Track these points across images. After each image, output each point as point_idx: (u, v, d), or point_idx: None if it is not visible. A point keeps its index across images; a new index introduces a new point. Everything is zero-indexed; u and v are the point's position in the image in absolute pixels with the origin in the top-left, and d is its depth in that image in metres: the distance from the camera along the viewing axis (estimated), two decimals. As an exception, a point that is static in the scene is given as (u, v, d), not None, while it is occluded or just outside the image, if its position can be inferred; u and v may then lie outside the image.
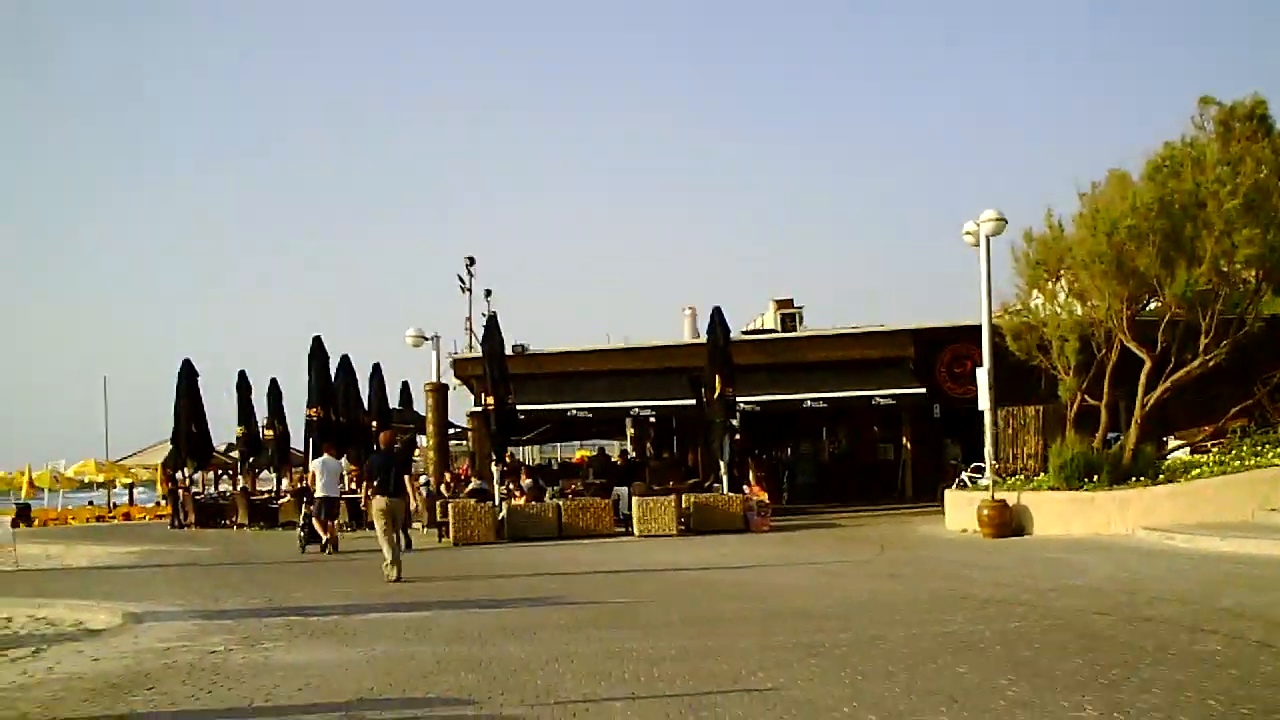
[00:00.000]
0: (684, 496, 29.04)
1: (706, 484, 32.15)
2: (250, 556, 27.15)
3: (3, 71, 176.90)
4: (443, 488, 33.26)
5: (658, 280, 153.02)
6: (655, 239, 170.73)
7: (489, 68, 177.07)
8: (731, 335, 32.02)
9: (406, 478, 21.33)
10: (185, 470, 43.38)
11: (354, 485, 34.40)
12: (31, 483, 62.08)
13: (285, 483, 42.81)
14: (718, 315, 30.68)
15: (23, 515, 51.05)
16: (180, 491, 42.54)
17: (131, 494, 69.57)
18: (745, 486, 30.09)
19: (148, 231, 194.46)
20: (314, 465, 28.23)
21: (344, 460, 31.90)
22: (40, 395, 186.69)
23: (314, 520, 27.22)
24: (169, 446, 44.97)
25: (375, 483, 20.73)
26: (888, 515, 32.04)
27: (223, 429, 44.43)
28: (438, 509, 30.15)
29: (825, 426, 44.34)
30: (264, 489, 44.67)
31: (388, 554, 20.06)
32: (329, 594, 18.07)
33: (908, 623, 12.91)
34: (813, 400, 35.75)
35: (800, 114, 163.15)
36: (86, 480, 66.00)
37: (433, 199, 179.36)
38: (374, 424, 38.69)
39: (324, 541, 26.82)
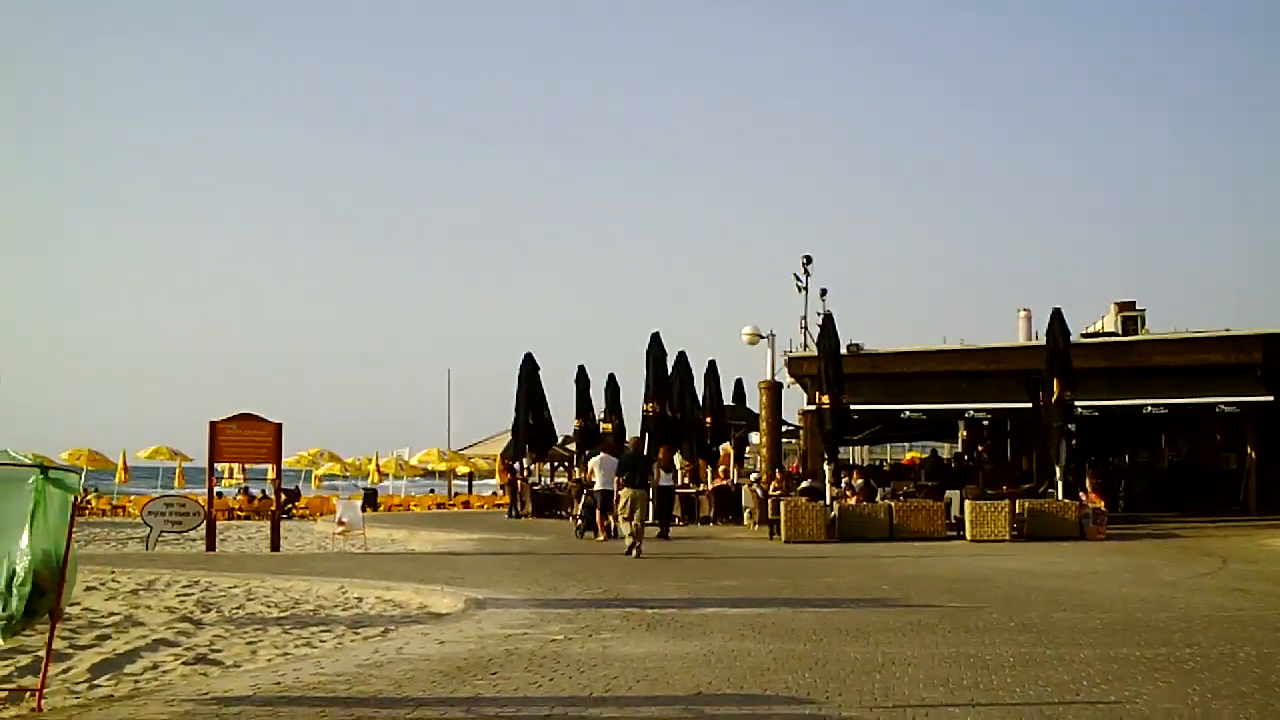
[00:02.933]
0: (1018, 501, 28.43)
1: (1041, 489, 31.37)
2: (586, 547, 27.64)
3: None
4: (773, 485, 33.24)
5: (992, 280, 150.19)
6: (989, 238, 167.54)
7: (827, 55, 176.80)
8: (1070, 338, 31.16)
9: (665, 474, 31.03)
10: (524, 461, 44.44)
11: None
12: (379, 469, 64.76)
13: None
14: (1057, 317, 29.95)
15: (369, 500, 53.23)
16: (519, 481, 43.61)
17: (471, 483, 71.60)
18: (1081, 493, 29.27)
19: (496, 230, 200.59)
20: (593, 462, 30.60)
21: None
22: (389, 387, 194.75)
23: (595, 512, 29.59)
24: (509, 437, 46.10)
25: (623, 477, 25.40)
26: (1230, 527, 30.74)
27: (561, 421, 45.24)
28: (769, 506, 30.20)
29: (1165, 434, 42.80)
30: (600, 481, 45.37)
31: (626, 533, 25.02)
32: (664, 587, 18.25)
33: (1258, 641, 12.36)
34: (1153, 406, 34.55)
35: (1144, 112, 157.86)
36: (430, 468, 68.46)
37: (772, 198, 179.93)
38: (708, 420, 38.98)
39: (599, 531, 29.38)
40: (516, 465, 44.53)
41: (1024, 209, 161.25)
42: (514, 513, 42.28)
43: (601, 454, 30.28)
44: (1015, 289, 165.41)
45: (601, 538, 29.02)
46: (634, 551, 24.04)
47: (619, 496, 25.54)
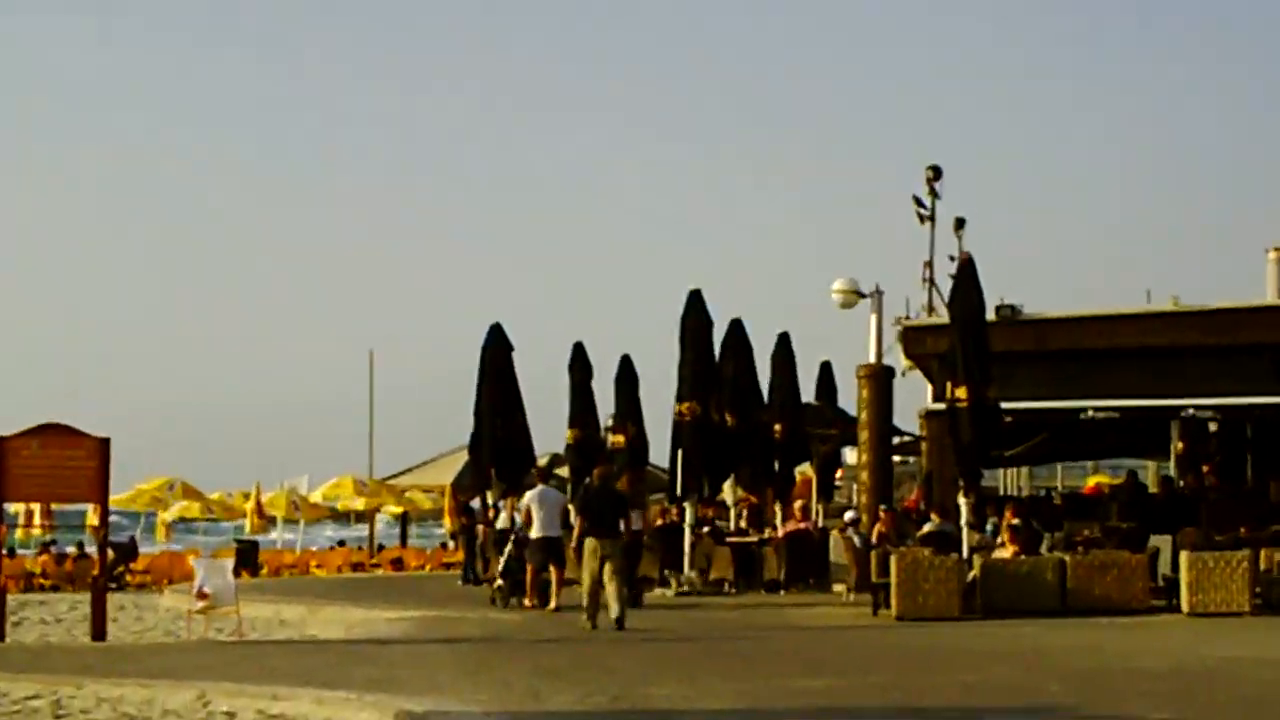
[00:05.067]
0: (1264, 553, 28.28)
1: (1302, 534, 31.30)
2: (583, 628, 27.46)
3: None
4: (878, 530, 33.11)
5: (1223, 208, 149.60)
6: (1215, 141, 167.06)
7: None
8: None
9: (632, 514, 30.47)
10: (488, 495, 44.10)
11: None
12: (260, 510, 63.35)
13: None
14: (1329, 261, 29.83)
15: (247, 559, 51.83)
16: (479, 528, 43.32)
17: (405, 530, 71.63)
18: (1365, 539, 29.20)
19: (446, 139, 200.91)
20: (529, 498, 31.40)
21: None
22: (276, 379, 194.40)
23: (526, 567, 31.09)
24: (464, 458, 45.93)
25: (588, 520, 26.71)
26: None
27: (545, 433, 44.81)
28: (873, 563, 30.01)
29: None
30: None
31: (586, 600, 26.37)
32: (709, 690, 18.16)
33: None
34: None
35: None
36: (339, 507, 67.86)
37: (878, 77, 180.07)
38: (777, 427, 38.79)
39: (537, 594, 31.12)
40: (476, 502, 44.37)
41: (1269, 94, 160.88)
42: (471, 576, 42.09)
43: (540, 486, 31.64)
44: (1262, 220, 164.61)
45: (551, 605, 30.47)
46: (593, 625, 25.94)
47: (584, 547, 26.51)
